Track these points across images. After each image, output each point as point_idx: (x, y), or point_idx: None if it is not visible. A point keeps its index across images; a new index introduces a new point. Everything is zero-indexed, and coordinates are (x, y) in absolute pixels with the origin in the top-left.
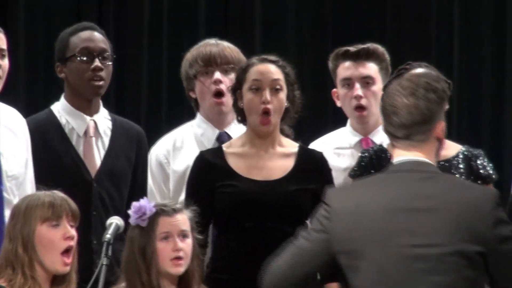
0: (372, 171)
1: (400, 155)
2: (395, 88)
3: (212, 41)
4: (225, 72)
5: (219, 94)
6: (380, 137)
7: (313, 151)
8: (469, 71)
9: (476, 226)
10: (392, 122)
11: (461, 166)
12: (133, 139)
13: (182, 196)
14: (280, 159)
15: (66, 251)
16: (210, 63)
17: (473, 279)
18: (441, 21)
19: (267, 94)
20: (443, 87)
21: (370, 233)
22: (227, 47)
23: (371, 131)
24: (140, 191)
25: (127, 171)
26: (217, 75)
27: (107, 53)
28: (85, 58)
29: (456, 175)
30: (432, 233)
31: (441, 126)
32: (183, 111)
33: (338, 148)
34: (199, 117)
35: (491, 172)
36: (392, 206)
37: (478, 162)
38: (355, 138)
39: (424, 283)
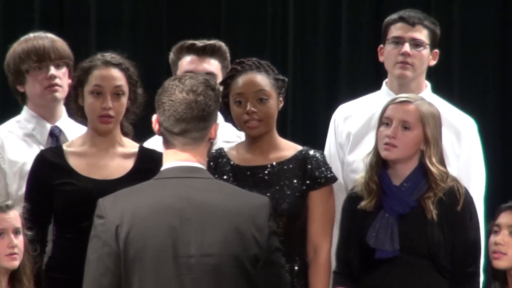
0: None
1: (173, 159)
2: (175, 84)
3: (42, 34)
4: (57, 66)
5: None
6: (219, 134)
7: (153, 151)
8: (303, 69)
9: (252, 236)
10: (170, 117)
11: (294, 167)
12: None
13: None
14: (120, 158)
15: None
16: (44, 58)
17: (251, 287)
18: (276, 19)
19: (108, 101)
20: (219, 88)
21: (146, 243)
22: (58, 41)
23: None
24: None
25: None
26: (52, 70)
27: None
28: None
29: (288, 176)
30: (207, 243)
31: (215, 127)
32: (9, 108)
33: None
34: (27, 112)
35: (326, 173)
36: (166, 215)
37: (314, 163)
38: None
39: None
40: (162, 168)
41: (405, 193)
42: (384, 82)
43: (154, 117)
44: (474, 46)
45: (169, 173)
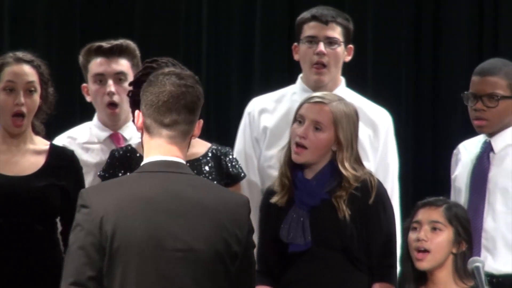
0: (122, 171)
1: (157, 152)
2: (165, 77)
3: None
4: None
5: None
6: (130, 132)
7: (64, 149)
8: (217, 67)
9: (234, 234)
10: (161, 107)
11: (210, 164)
12: None
13: None
14: (32, 156)
15: None
16: None
17: (229, 283)
18: (189, 17)
19: (21, 97)
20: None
21: (131, 235)
22: None
23: (121, 126)
24: None
25: None
26: None
27: None
28: None
29: (206, 174)
30: (192, 238)
31: (199, 124)
32: None
33: (86, 143)
34: None
35: (240, 170)
36: (150, 208)
37: (228, 160)
38: (104, 133)
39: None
40: (145, 161)
41: (315, 186)
42: (299, 77)
43: (137, 113)
44: (388, 42)
45: (153, 167)
